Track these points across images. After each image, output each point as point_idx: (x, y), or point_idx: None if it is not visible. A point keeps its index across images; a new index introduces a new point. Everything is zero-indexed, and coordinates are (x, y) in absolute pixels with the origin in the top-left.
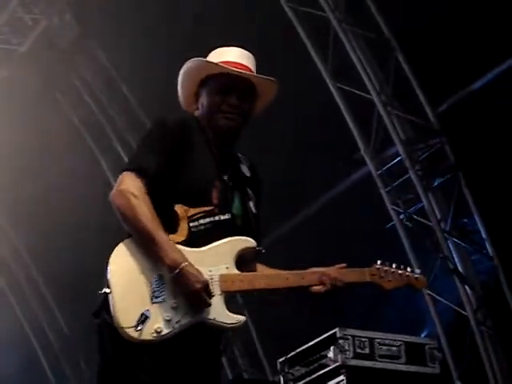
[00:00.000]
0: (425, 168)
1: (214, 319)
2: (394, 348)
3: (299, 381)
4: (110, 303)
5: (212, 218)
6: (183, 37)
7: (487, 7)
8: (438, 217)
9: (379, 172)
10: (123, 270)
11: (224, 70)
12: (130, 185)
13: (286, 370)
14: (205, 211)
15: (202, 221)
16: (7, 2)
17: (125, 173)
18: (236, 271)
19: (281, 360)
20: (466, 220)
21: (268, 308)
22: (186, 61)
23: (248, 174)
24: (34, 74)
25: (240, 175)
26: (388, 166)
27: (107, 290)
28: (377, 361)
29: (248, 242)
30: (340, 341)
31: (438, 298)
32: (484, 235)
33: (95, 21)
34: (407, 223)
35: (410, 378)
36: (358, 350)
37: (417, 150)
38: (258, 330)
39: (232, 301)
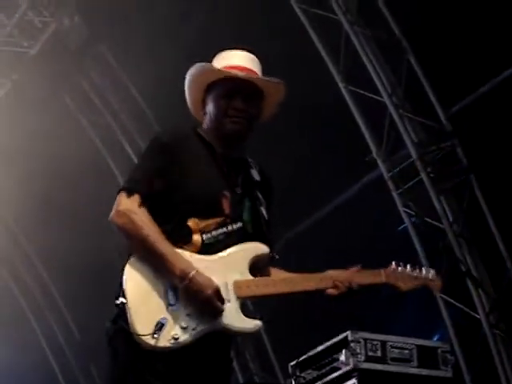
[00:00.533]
0: (437, 170)
1: (231, 325)
2: (406, 351)
3: None
4: (127, 312)
5: (225, 229)
6: (194, 38)
7: (499, 9)
8: (450, 219)
9: (391, 174)
10: (138, 279)
11: (227, 75)
12: (128, 203)
13: (298, 373)
14: (217, 223)
15: (214, 232)
16: (18, 6)
17: (120, 193)
18: (250, 277)
19: (292, 363)
20: (478, 222)
21: (279, 311)
22: (196, 63)
23: (258, 178)
24: (44, 76)
25: (250, 180)
26: (400, 168)
27: (124, 300)
28: (389, 364)
29: (261, 248)
30: (352, 344)
31: (450, 300)
32: (497, 237)
33: (105, 23)
34: (419, 225)
35: (422, 382)
36: (370, 353)
37: (429, 153)
38: (269, 333)
39: (244, 305)
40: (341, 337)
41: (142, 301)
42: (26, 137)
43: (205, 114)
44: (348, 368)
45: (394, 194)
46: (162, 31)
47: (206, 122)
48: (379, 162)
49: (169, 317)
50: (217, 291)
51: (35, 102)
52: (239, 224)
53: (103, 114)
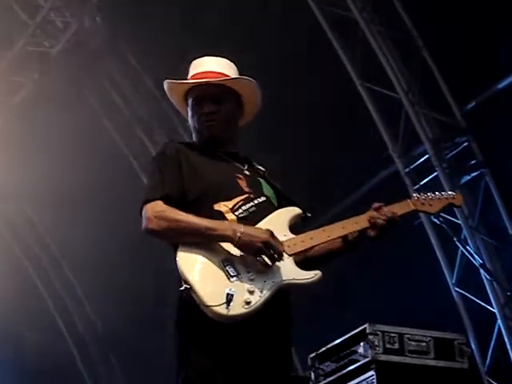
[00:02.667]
0: (452, 166)
1: (294, 279)
2: (424, 343)
3: (330, 376)
4: (195, 294)
5: (252, 203)
6: (211, 35)
7: None
8: (466, 214)
9: (407, 170)
10: (194, 264)
11: (186, 86)
12: (153, 208)
13: (317, 365)
14: (242, 200)
15: (243, 207)
16: (40, 7)
17: (143, 207)
18: (293, 236)
19: (311, 356)
20: (493, 217)
21: (297, 303)
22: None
23: (258, 166)
24: (65, 75)
25: (254, 167)
26: (416, 164)
27: (187, 286)
28: (406, 356)
29: (295, 209)
30: (370, 336)
31: (465, 294)
32: (511, 232)
33: (125, 23)
34: (435, 220)
35: (438, 373)
36: (388, 346)
37: (444, 149)
38: None
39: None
40: (359, 329)
41: (205, 281)
42: (47, 135)
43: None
44: (366, 360)
45: (410, 190)
46: (182, 29)
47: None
48: (395, 158)
49: (235, 287)
50: (271, 233)
51: (56, 101)
52: (263, 198)
53: (124, 113)
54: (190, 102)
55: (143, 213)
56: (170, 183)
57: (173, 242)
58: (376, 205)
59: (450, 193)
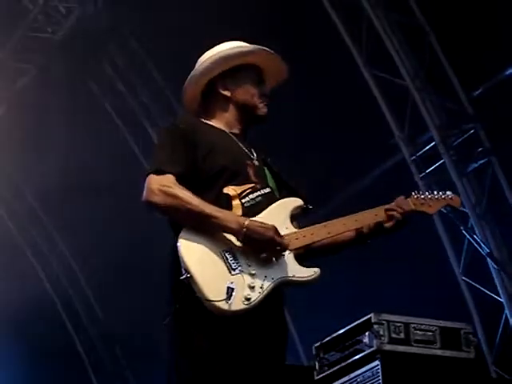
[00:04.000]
0: (459, 153)
1: (294, 276)
2: (430, 333)
3: (334, 366)
4: (195, 284)
5: (259, 192)
6: (216, 22)
7: None
8: (473, 202)
9: (413, 158)
10: (195, 252)
11: (265, 55)
12: (161, 181)
13: (322, 355)
14: (250, 188)
15: (251, 196)
16: None
17: (149, 176)
18: (295, 229)
19: (316, 345)
20: (500, 205)
21: (302, 292)
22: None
23: (266, 156)
24: (68, 61)
25: (261, 155)
26: (422, 151)
27: (188, 275)
28: (412, 346)
29: (297, 201)
30: (375, 326)
31: (472, 283)
32: None
33: (127, 8)
34: (442, 208)
35: (445, 363)
36: (394, 335)
37: (451, 136)
38: (292, 315)
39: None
40: (364, 319)
41: (206, 271)
42: (50, 122)
43: (218, 100)
44: (371, 350)
45: (417, 178)
46: (186, 15)
47: (222, 108)
48: (402, 145)
49: (235, 281)
50: (276, 229)
51: (60, 86)
52: (268, 189)
53: (126, 98)
54: (243, 79)
55: (147, 183)
56: (183, 160)
57: (170, 219)
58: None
59: (448, 193)
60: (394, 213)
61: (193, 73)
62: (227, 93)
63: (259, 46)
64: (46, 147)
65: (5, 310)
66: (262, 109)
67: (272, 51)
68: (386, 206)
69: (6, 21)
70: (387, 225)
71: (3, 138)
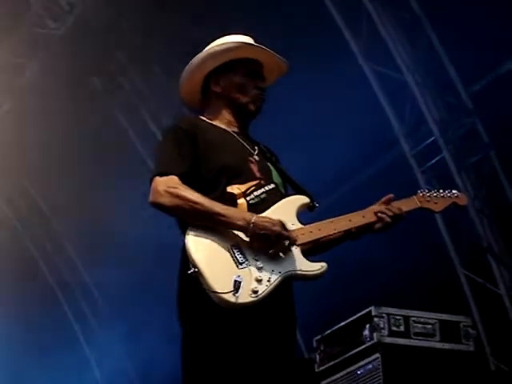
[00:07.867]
0: (458, 147)
1: (301, 270)
2: (429, 326)
3: (335, 359)
4: (203, 278)
5: (263, 189)
6: (221, 15)
7: None
8: (472, 195)
9: (413, 152)
10: (203, 248)
11: (257, 51)
12: (167, 182)
13: (322, 347)
14: (254, 185)
15: (255, 193)
16: None
17: (154, 178)
18: (301, 226)
19: (317, 338)
20: (499, 199)
21: (303, 285)
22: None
23: (271, 153)
24: (71, 57)
25: (264, 151)
26: (422, 146)
27: (195, 269)
28: (412, 339)
29: (303, 198)
30: (375, 319)
31: (471, 276)
32: None
33: (129, 3)
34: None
35: (444, 356)
36: (394, 328)
37: (450, 130)
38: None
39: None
40: (364, 312)
41: (214, 266)
42: (53, 117)
43: (212, 97)
44: (371, 343)
45: (417, 172)
46: (190, 7)
47: (217, 105)
48: (401, 139)
49: (243, 274)
50: (283, 224)
51: (61, 82)
52: (272, 185)
53: (128, 93)
54: (236, 72)
55: (153, 185)
56: (186, 160)
57: (178, 218)
58: (386, 198)
59: (454, 192)
60: (385, 216)
61: (186, 68)
62: (218, 89)
63: (248, 41)
64: (50, 142)
65: None
66: (252, 103)
67: (263, 46)
68: (378, 209)
69: (7, 16)
70: (377, 226)
71: (7, 135)
